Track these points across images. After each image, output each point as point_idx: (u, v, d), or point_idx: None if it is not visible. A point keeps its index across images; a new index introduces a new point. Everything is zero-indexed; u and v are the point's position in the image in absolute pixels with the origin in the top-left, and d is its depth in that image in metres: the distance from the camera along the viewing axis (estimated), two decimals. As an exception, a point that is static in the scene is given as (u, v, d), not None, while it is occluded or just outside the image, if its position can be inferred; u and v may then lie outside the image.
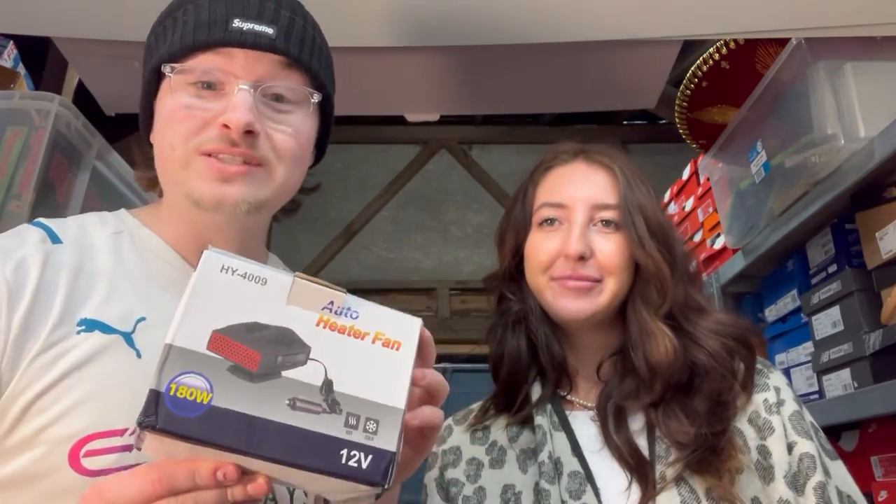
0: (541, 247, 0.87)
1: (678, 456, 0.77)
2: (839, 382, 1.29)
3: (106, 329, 0.65)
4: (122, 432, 0.62)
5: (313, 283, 0.55)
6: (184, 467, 0.49)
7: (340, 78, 0.95)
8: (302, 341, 0.54)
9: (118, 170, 1.42)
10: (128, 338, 0.65)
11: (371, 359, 0.55)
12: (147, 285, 0.69)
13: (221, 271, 0.54)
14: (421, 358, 0.59)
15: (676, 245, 0.87)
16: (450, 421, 0.98)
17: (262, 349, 0.52)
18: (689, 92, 1.63)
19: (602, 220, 0.86)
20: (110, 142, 1.36)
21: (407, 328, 0.58)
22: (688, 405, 0.80)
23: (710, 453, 0.76)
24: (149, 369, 0.50)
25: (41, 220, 0.71)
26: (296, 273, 0.57)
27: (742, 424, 0.81)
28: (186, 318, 0.51)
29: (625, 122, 4.43)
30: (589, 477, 0.81)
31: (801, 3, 1.16)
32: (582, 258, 0.83)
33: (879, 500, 1.20)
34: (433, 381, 0.60)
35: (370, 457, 0.51)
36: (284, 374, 0.52)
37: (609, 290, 0.84)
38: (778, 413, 0.80)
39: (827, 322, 1.34)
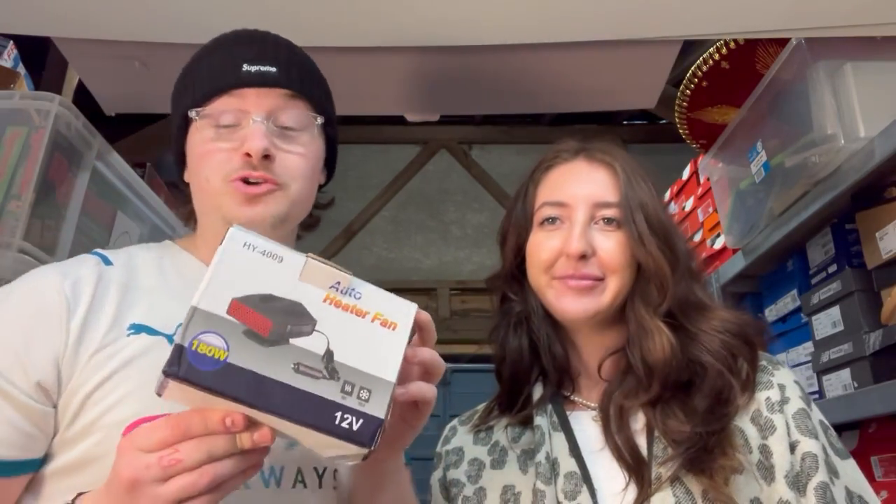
0: (542, 246, 0.87)
1: (672, 455, 0.76)
2: (839, 382, 1.29)
3: (151, 331, 0.76)
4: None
5: (323, 264, 0.63)
6: (197, 415, 0.56)
7: (341, 78, 0.95)
8: (309, 314, 0.60)
9: (118, 170, 1.42)
10: (170, 338, 0.76)
11: (369, 335, 0.62)
12: (185, 296, 0.76)
13: (244, 247, 0.61)
14: (421, 339, 0.68)
15: (678, 242, 0.87)
16: (455, 422, 0.99)
17: (274, 318, 0.58)
18: (689, 92, 1.63)
19: (603, 219, 0.85)
20: (110, 142, 1.36)
21: (404, 311, 0.65)
22: (687, 404, 0.80)
23: (705, 452, 0.75)
24: None
25: (97, 249, 0.85)
26: (308, 254, 0.63)
27: (744, 423, 0.79)
28: (210, 285, 0.58)
29: (625, 122, 4.43)
30: (585, 477, 0.80)
31: (801, 3, 1.16)
32: (583, 257, 0.83)
33: (880, 500, 1.20)
34: (426, 358, 0.68)
35: (361, 420, 0.58)
36: (292, 341, 0.59)
37: (612, 289, 0.84)
38: (781, 411, 0.79)
39: (827, 322, 1.34)
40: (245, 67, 0.82)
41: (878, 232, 1.22)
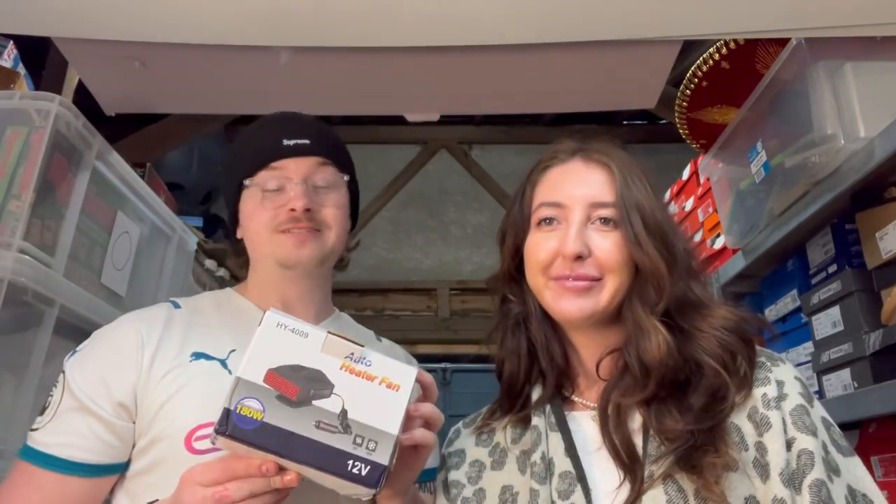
0: (539, 247, 0.87)
1: (664, 452, 0.76)
2: (839, 382, 1.29)
3: (208, 357, 0.95)
4: None
5: (340, 339, 0.77)
6: (241, 462, 0.73)
7: (341, 78, 0.96)
8: (328, 380, 0.75)
9: (118, 170, 1.42)
10: (223, 363, 0.95)
11: (377, 396, 0.76)
12: (237, 330, 0.99)
13: (277, 326, 0.76)
14: (424, 395, 0.83)
15: (676, 241, 0.86)
16: (459, 424, 0.99)
17: (300, 384, 0.74)
18: (689, 92, 1.63)
19: (600, 219, 0.85)
20: (110, 142, 1.36)
21: (406, 375, 0.78)
22: (682, 402, 0.79)
23: (696, 450, 0.75)
24: None
25: (172, 298, 1.06)
26: (328, 330, 0.78)
27: (740, 420, 0.78)
28: (251, 359, 0.74)
29: (625, 122, 4.43)
30: (580, 477, 0.80)
31: (801, 3, 1.16)
32: (580, 258, 0.83)
33: (879, 500, 1.20)
34: (426, 413, 0.81)
35: (368, 467, 0.72)
36: (314, 402, 0.73)
37: (609, 289, 0.84)
38: (777, 408, 0.77)
39: (827, 322, 1.34)
40: (285, 142, 1.02)
41: (878, 232, 1.22)
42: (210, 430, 0.80)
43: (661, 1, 1.18)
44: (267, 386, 0.73)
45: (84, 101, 1.52)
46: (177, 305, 1.03)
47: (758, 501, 0.74)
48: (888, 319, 1.18)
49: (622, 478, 0.78)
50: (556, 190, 0.88)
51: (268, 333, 0.76)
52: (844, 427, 1.30)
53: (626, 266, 0.84)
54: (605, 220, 0.85)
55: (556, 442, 0.84)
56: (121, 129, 2.55)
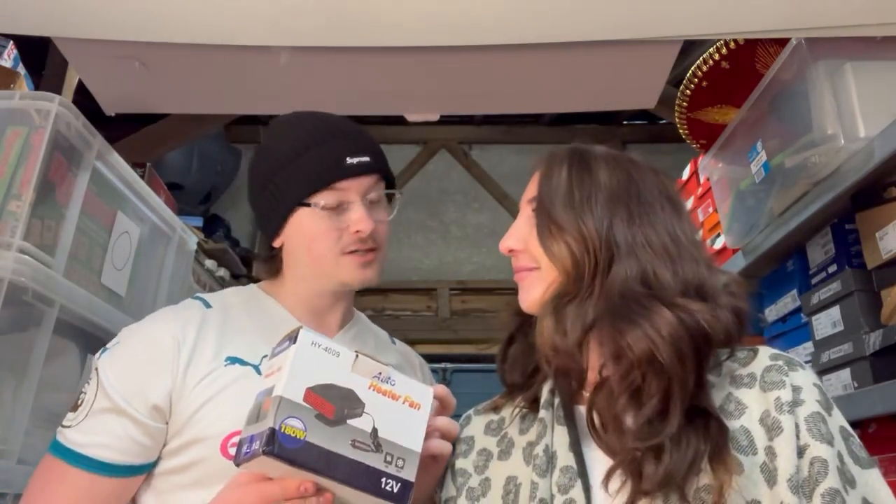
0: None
1: (633, 452, 0.75)
2: (839, 382, 1.29)
3: (242, 363, 0.96)
4: None
5: (369, 359, 0.80)
6: (277, 485, 0.75)
7: (341, 78, 0.96)
8: (360, 399, 0.77)
9: (118, 170, 1.42)
10: (256, 368, 0.96)
11: (402, 414, 0.80)
12: (268, 335, 0.95)
13: (311, 345, 0.77)
14: (442, 406, 0.89)
15: (606, 230, 0.82)
16: (471, 411, 1.00)
17: (336, 403, 0.76)
18: (689, 92, 1.63)
19: (531, 214, 0.89)
20: (110, 142, 1.36)
21: (425, 395, 0.82)
22: (637, 409, 0.79)
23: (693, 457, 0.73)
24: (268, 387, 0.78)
25: (199, 294, 1.06)
26: (356, 350, 0.80)
27: (751, 424, 0.77)
28: (291, 377, 0.74)
29: (625, 122, 4.43)
30: (581, 472, 0.80)
31: (801, 3, 1.16)
32: (511, 251, 0.89)
33: (879, 500, 1.20)
34: (442, 426, 0.87)
35: (399, 484, 0.76)
36: (349, 422, 0.76)
37: (545, 278, 0.86)
38: (791, 413, 0.75)
39: (827, 322, 1.34)
40: (348, 160, 1.00)
41: (878, 232, 1.22)
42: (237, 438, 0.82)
43: (661, 1, 1.18)
44: (307, 405, 0.74)
45: (84, 101, 1.52)
46: (207, 305, 1.03)
47: None
48: (888, 319, 1.18)
49: (624, 477, 0.77)
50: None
51: (303, 352, 0.77)
52: (844, 427, 1.31)
53: (549, 256, 0.86)
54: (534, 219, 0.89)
55: (560, 435, 0.83)
56: (121, 129, 2.55)
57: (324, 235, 1.00)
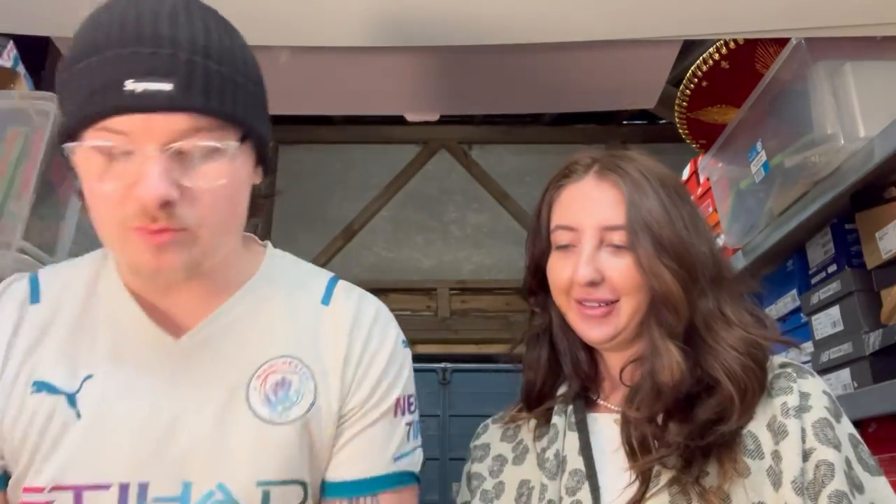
0: (557, 272, 0.87)
1: (663, 455, 0.77)
2: (839, 382, 1.29)
3: (52, 390, 0.72)
4: None
5: None
6: None
7: (342, 78, 0.94)
8: None
9: (118, 170, 1.42)
10: (71, 398, 0.72)
11: None
12: (103, 339, 0.75)
13: None
14: None
15: (696, 256, 0.84)
16: (489, 420, 1.00)
17: None
18: (689, 92, 1.63)
19: (612, 242, 0.84)
20: (110, 142, 1.35)
21: None
22: (688, 414, 0.79)
23: (693, 462, 0.75)
24: None
25: (38, 271, 0.80)
26: None
27: (758, 430, 0.78)
28: None
29: (625, 122, 4.43)
30: (590, 475, 0.81)
31: (801, 3, 1.16)
32: (593, 283, 0.83)
33: (879, 500, 1.20)
34: None
35: None
36: None
37: (626, 311, 0.84)
38: (798, 417, 0.77)
39: (827, 322, 1.34)
40: (128, 85, 0.63)
41: (877, 232, 1.22)
42: (36, 496, 0.69)
43: (661, 1, 1.18)
44: None
45: (84, 100, 1.52)
46: (35, 297, 0.77)
47: None
48: (888, 319, 1.18)
49: (632, 478, 0.78)
50: (569, 213, 0.88)
51: None
52: (844, 427, 1.31)
53: (642, 287, 0.83)
54: (616, 245, 0.84)
55: (572, 441, 0.86)
56: (121, 129, 2.54)
57: (97, 197, 0.67)
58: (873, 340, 1.20)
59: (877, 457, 1.24)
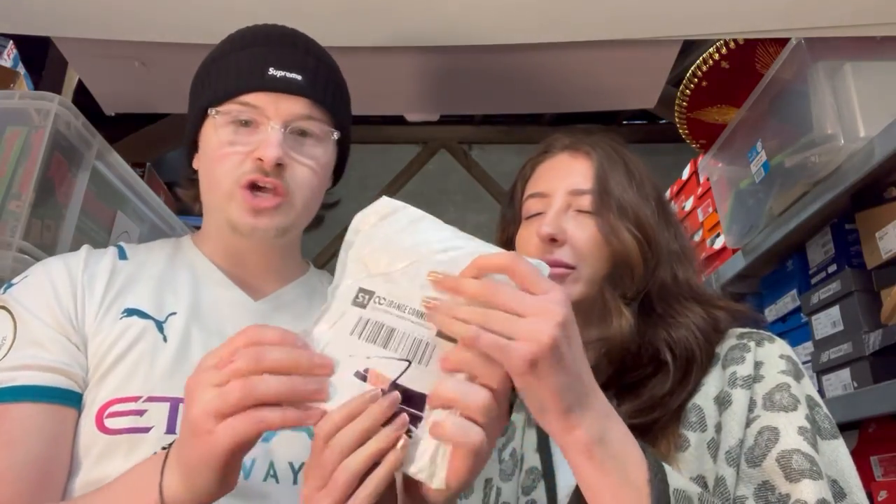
0: (525, 239, 0.88)
1: None
2: (839, 382, 1.29)
3: (143, 315, 0.82)
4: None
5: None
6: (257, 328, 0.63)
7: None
8: None
9: (118, 170, 1.42)
10: (159, 325, 0.82)
11: None
12: (182, 287, 0.87)
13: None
14: None
15: (660, 226, 0.86)
16: None
17: None
18: (689, 92, 1.63)
19: (578, 207, 0.86)
20: (110, 142, 1.35)
21: None
22: (632, 393, 0.78)
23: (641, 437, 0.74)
24: None
25: (121, 243, 0.92)
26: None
27: (704, 401, 0.76)
28: None
29: (625, 122, 4.43)
30: (546, 473, 0.80)
31: (801, 3, 1.16)
32: (553, 240, 0.83)
33: (879, 500, 1.20)
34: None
35: None
36: None
37: (584, 278, 0.83)
38: (747, 388, 0.75)
39: (827, 322, 1.34)
40: (271, 71, 0.83)
41: (877, 232, 1.22)
42: (129, 405, 0.74)
43: (661, 1, 1.18)
44: None
45: (84, 101, 1.52)
46: (123, 254, 0.88)
47: (705, 480, 0.72)
48: (888, 319, 1.18)
49: None
50: (542, 181, 0.91)
51: None
52: (844, 427, 1.31)
53: (602, 253, 0.83)
54: (582, 209, 0.86)
55: (530, 437, 0.84)
56: (121, 129, 2.55)
57: (223, 156, 0.83)
58: (873, 340, 1.20)
59: (876, 457, 1.25)
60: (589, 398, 0.58)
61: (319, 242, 4.08)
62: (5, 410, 0.73)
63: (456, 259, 0.60)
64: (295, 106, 0.84)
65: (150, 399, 0.77)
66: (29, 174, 1.16)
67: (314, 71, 0.86)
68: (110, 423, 0.76)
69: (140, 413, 0.76)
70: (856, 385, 1.24)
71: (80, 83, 1.74)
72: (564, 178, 0.88)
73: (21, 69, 1.77)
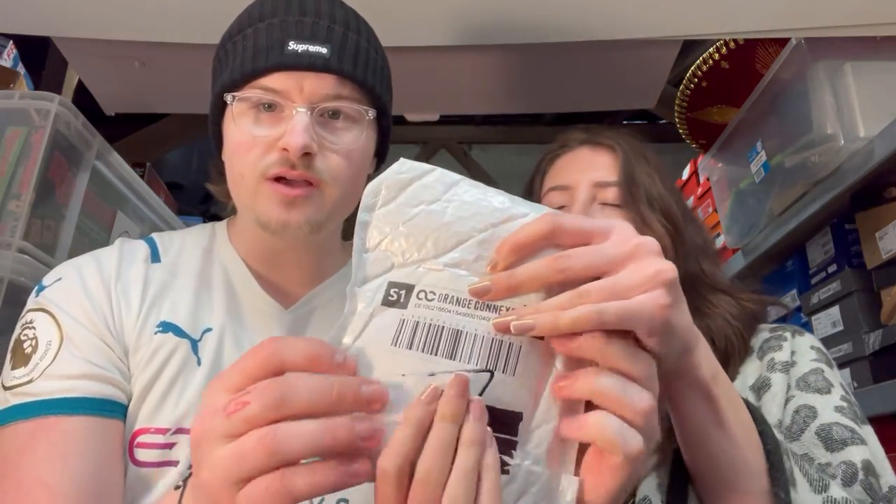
0: None
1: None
2: (839, 382, 1.29)
3: (179, 332, 0.75)
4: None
5: None
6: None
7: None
8: None
9: (118, 170, 1.42)
10: (194, 344, 0.75)
11: None
12: (217, 296, 0.80)
13: None
14: None
15: (684, 220, 0.86)
16: None
17: None
18: (689, 92, 1.63)
19: (603, 199, 0.86)
20: (110, 142, 1.35)
21: None
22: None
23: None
24: None
25: (153, 235, 0.85)
26: None
27: (742, 390, 0.78)
28: None
29: (625, 122, 4.43)
30: None
31: (801, 3, 1.16)
32: None
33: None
34: None
35: None
36: None
37: None
38: (785, 372, 0.76)
39: (827, 322, 1.34)
40: (291, 46, 0.72)
41: (877, 232, 1.22)
42: (158, 437, 0.68)
43: (661, 1, 1.18)
44: None
45: (84, 101, 1.52)
46: (156, 256, 0.80)
47: None
48: (888, 319, 1.18)
49: None
50: (563, 174, 0.89)
51: None
52: (844, 427, 1.31)
53: None
54: (609, 202, 0.85)
55: None
56: (121, 129, 2.55)
57: (244, 147, 0.73)
58: (873, 340, 1.20)
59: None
60: (698, 334, 0.52)
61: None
62: (59, 423, 0.67)
63: None
64: (321, 84, 0.72)
65: (179, 431, 0.71)
66: (29, 174, 1.16)
67: (341, 42, 0.74)
68: (140, 454, 0.70)
69: (169, 446, 0.71)
70: (856, 385, 1.24)
71: (80, 83, 1.74)
72: (587, 170, 0.87)
73: (21, 69, 1.77)
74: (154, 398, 0.71)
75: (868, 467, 0.67)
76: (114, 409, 0.70)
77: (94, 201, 1.34)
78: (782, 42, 1.36)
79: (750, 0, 1.17)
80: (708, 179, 1.81)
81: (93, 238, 1.36)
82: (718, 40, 1.49)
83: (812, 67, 1.27)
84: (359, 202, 0.57)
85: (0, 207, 1.15)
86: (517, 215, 0.46)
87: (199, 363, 0.74)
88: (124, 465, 0.70)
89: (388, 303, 0.45)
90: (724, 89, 1.59)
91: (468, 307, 0.44)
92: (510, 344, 0.44)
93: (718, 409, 0.53)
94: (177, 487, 0.51)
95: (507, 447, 0.43)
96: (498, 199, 0.48)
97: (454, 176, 0.48)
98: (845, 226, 1.34)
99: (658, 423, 0.44)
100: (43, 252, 1.18)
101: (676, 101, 1.69)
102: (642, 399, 0.42)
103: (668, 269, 0.43)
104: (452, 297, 0.44)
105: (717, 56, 1.51)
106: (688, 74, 1.60)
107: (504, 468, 0.42)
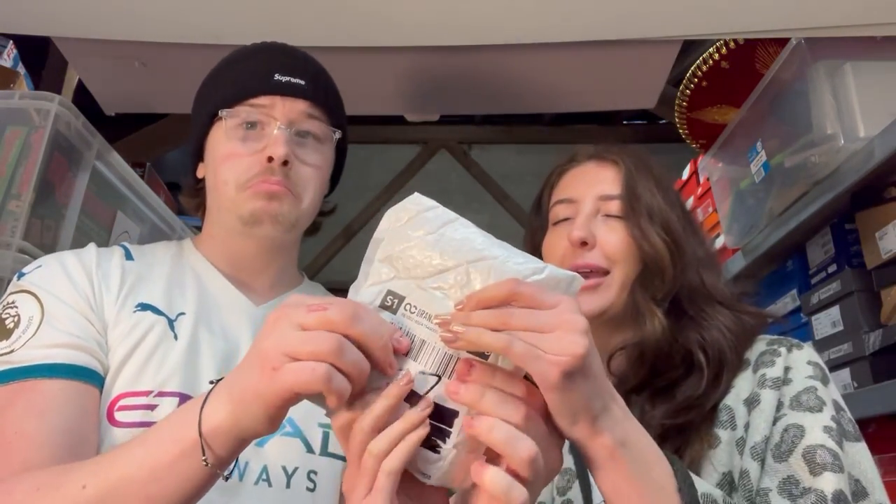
0: (553, 243, 0.90)
1: None
2: (839, 382, 1.29)
3: (156, 311, 0.84)
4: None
5: None
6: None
7: (341, 78, 0.96)
8: None
9: (118, 170, 1.42)
10: (171, 323, 0.84)
11: None
12: (188, 289, 0.89)
13: None
14: None
15: (685, 233, 0.88)
16: None
17: None
18: (689, 92, 1.63)
19: (606, 212, 0.89)
20: (110, 142, 1.36)
21: None
22: (668, 394, 0.80)
23: (666, 442, 0.75)
24: None
25: (124, 243, 0.93)
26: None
27: (735, 403, 0.78)
28: None
29: (625, 122, 4.43)
30: (580, 474, 0.81)
31: (801, 3, 1.16)
32: (584, 244, 0.85)
33: (879, 499, 1.20)
34: None
35: None
36: None
37: (617, 282, 0.85)
38: (776, 389, 0.77)
39: (827, 322, 1.34)
40: (276, 76, 0.89)
41: (877, 232, 1.22)
42: (140, 399, 0.76)
43: (661, 1, 1.18)
44: None
45: (84, 101, 1.52)
46: (129, 256, 0.90)
47: (733, 476, 0.74)
48: (888, 319, 1.18)
49: None
50: (570, 188, 0.93)
51: None
52: (844, 427, 1.31)
53: (632, 257, 0.86)
54: (611, 213, 0.88)
55: None
56: (121, 129, 2.55)
57: (231, 157, 0.87)
58: (873, 340, 1.20)
59: (876, 457, 1.25)
60: (611, 402, 0.57)
61: (319, 242, 4.08)
62: (37, 385, 0.74)
63: (491, 269, 0.57)
64: (299, 106, 0.89)
65: (161, 394, 0.79)
66: (29, 174, 1.16)
67: (314, 77, 0.92)
68: (121, 416, 0.77)
69: (151, 407, 0.78)
70: (856, 385, 1.24)
71: (80, 83, 1.74)
72: (593, 184, 0.91)
73: (21, 69, 1.77)
74: (134, 367, 0.79)
75: (839, 498, 0.68)
76: (91, 377, 0.77)
77: (94, 201, 1.34)
78: (782, 42, 1.36)
79: (750, 0, 1.17)
80: (708, 179, 1.81)
81: (93, 238, 1.36)
82: (718, 40, 1.49)
83: (812, 67, 1.27)
84: (315, 215, 0.93)
85: (0, 207, 1.15)
86: (489, 257, 0.58)
87: (175, 338, 0.83)
88: (100, 429, 0.76)
89: (384, 306, 0.58)
90: (724, 89, 1.59)
91: (433, 323, 0.56)
92: (458, 359, 0.56)
93: (625, 475, 0.57)
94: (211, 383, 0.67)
95: (441, 435, 0.55)
96: (479, 241, 0.60)
97: (451, 215, 0.61)
98: (845, 226, 1.34)
99: (543, 467, 0.53)
100: (43, 252, 1.18)
101: (676, 101, 1.69)
102: (525, 448, 0.52)
103: (583, 345, 0.52)
104: (427, 314, 0.57)
105: (717, 56, 1.51)
106: (688, 74, 1.60)
107: (436, 449, 0.55)
